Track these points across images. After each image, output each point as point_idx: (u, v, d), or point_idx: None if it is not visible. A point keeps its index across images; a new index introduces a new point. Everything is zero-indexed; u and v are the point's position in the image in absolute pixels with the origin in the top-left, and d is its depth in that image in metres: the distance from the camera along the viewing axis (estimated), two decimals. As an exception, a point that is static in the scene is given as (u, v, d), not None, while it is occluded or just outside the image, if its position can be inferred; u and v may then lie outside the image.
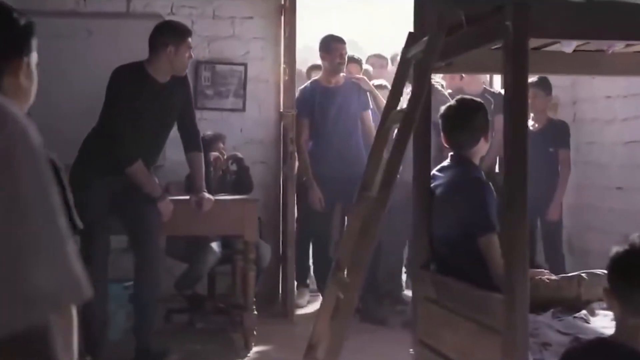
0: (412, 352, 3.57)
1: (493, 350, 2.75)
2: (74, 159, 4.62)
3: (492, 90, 6.22)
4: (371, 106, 5.95)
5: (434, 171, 3.55)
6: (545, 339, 2.79)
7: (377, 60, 6.72)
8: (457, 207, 3.38)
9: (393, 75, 6.75)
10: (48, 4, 6.00)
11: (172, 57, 4.56)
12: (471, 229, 3.32)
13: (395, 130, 3.40)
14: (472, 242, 3.32)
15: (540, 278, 3.37)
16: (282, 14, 6.27)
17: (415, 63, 3.35)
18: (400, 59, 3.50)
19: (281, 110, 6.25)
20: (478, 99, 3.60)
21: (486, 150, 3.59)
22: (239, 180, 5.59)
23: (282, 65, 6.15)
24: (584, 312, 3.13)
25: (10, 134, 0.90)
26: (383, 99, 6.01)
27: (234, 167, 5.67)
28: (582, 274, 3.35)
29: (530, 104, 5.65)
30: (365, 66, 6.51)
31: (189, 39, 4.65)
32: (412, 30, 3.48)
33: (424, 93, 2.99)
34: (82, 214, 2.24)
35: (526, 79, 2.64)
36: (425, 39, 3.14)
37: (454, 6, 2.94)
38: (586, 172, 6.31)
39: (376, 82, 6.21)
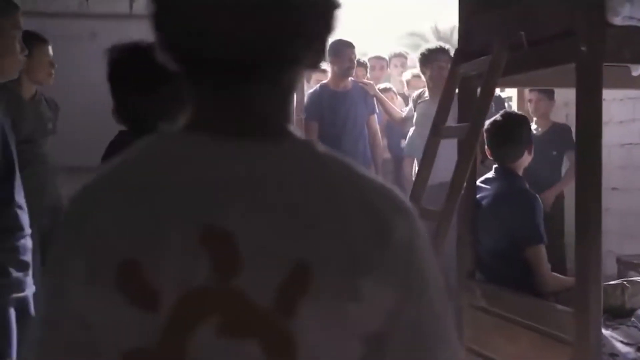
0: (457, 358, 3.67)
1: (560, 360, 2.86)
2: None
3: (491, 93, 6.34)
4: (377, 111, 6.03)
5: (478, 182, 3.65)
6: (612, 349, 2.92)
7: (377, 61, 6.78)
8: (505, 219, 3.50)
9: (391, 77, 6.93)
10: (52, 5, 5.95)
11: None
12: (519, 240, 3.44)
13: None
14: (520, 252, 3.44)
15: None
16: (283, 16, 6.31)
17: (465, 79, 3.45)
18: (449, 75, 3.58)
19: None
20: (522, 114, 3.71)
21: (529, 162, 3.70)
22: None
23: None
24: (633, 319, 3.26)
25: (410, 224, 0.95)
26: (390, 102, 6.14)
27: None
28: (624, 282, 3.49)
29: (533, 108, 5.83)
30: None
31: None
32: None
33: (488, 108, 3.10)
34: None
35: (600, 102, 2.74)
36: (481, 58, 3.23)
37: (517, 28, 3.02)
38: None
39: (381, 85, 6.30)
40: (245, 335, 0.88)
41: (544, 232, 3.46)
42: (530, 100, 5.88)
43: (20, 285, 2.42)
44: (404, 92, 6.54)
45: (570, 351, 2.79)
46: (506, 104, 6.53)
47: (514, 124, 3.60)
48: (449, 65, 5.29)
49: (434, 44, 5.69)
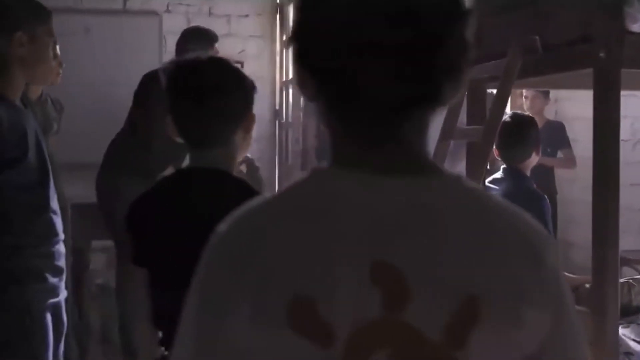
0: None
1: None
2: (102, 165, 4.58)
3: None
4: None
5: (486, 182, 3.70)
6: (627, 348, 2.98)
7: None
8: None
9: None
10: (46, 1, 5.90)
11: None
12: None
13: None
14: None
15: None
16: (277, 12, 6.34)
17: (474, 81, 3.48)
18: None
19: (277, 107, 6.33)
20: (530, 115, 3.77)
21: (536, 162, 3.76)
22: (250, 181, 5.64)
23: (283, 63, 6.23)
24: (642, 318, 3.33)
25: (554, 250, 1.01)
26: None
27: (243, 168, 5.72)
28: (630, 280, 3.56)
29: (529, 105, 5.89)
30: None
31: (215, 45, 4.68)
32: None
33: (503, 113, 3.14)
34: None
35: (618, 107, 2.79)
36: (494, 62, 3.26)
37: (531, 34, 3.06)
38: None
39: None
40: None
41: (552, 232, 3.52)
42: (525, 97, 5.94)
43: (55, 291, 2.43)
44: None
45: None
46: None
47: (523, 125, 3.66)
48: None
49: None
